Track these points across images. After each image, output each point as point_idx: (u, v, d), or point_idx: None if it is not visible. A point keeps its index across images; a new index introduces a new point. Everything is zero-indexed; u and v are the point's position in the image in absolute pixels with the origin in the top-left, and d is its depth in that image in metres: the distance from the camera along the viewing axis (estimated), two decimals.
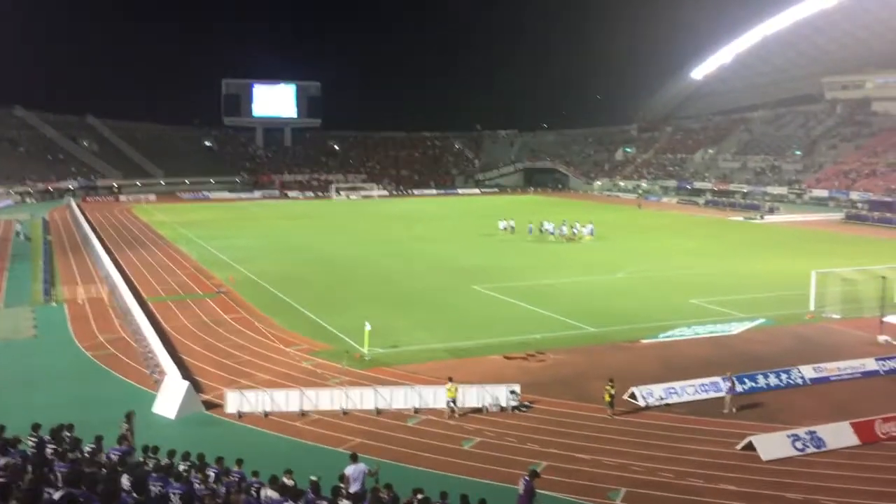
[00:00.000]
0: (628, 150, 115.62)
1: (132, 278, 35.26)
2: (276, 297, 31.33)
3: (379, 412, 18.63)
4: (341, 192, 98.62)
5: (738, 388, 19.60)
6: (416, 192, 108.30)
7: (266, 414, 18.46)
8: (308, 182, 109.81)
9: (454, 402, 18.42)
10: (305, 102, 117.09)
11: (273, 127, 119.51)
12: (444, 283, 34.36)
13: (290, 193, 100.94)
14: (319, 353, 23.20)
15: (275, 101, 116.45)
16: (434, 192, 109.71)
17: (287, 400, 18.69)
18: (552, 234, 50.57)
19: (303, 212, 75.64)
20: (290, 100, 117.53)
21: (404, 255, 43.31)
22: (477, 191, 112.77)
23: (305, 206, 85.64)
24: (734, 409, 18.60)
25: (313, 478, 11.13)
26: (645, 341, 24.92)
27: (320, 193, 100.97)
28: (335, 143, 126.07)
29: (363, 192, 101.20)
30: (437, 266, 39.56)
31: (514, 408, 18.79)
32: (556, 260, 42.29)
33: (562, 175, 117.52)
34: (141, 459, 12.07)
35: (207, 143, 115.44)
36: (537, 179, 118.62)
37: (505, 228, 53.62)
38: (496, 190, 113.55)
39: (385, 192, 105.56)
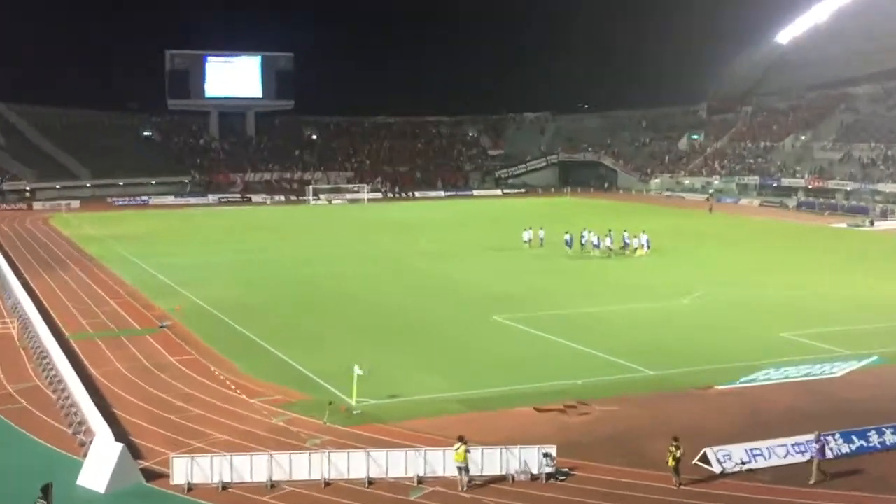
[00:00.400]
0: (695, 136, 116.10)
1: (49, 310, 35.55)
2: (236, 333, 31.50)
3: (371, 483, 18.64)
4: (321, 196, 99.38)
5: (831, 451, 19.45)
6: (417, 193, 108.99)
7: (224, 486, 18.49)
8: (278, 182, 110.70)
9: (466, 468, 18.40)
10: (274, 79, 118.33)
11: (232, 111, 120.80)
12: (457, 313, 34.47)
13: (255, 197, 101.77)
14: (294, 406, 23.27)
15: (234, 77, 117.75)
16: (441, 193, 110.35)
17: (251, 468, 18.71)
18: (596, 247, 50.72)
19: (271, 221, 76.08)
20: (253, 76, 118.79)
21: (404, 277, 43.46)
22: (497, 191, 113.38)
23: (275, 213, 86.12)
24: (824, 477, 18.49)
25: None
26: (720, 388, 24.87)
27: (294, 197, 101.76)
28: (313, 131, 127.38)
29: (349, 195, 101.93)
30: (446, 290, 39.68)
31: (548, 476, 18.73)
32: (602, 281, 42.29)
33: (608, 170, 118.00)
34: None
35: (147, 134, 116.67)
36: (576, 176, 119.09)
37: (529, 241, 53.92)
38: (522, 190, 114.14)
39: (378, 195, 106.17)
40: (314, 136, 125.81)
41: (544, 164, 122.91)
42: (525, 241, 53.83)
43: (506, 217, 74.47)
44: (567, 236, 52.29)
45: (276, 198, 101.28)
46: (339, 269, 46.22)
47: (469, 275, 44.31)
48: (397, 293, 38.86)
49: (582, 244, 51.62)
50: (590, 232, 52.42)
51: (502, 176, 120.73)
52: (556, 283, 41.46)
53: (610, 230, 51.99)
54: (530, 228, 54.64)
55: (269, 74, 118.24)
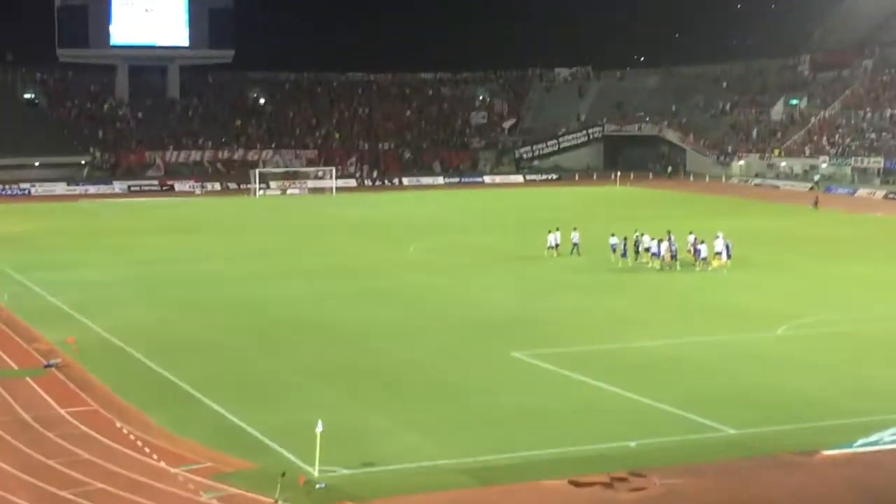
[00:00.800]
0: (794, 102, 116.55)
1: None
2: (153, 375, 31.49)
3: None
4: (272, 184, 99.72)
5: None
6: (406, 180, 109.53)
7: None
8: (212, 165, 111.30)
9: None
10: (206, 21, 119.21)
11: (148, 66, 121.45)
12: (460, 348, 34.51)
13: (180, 185, 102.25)
14: (232, 478, 23.24)
15: (151, 19, 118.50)
16: (440, 180, 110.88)
17: None
18: (656, 255, 50.76)
19: (203, 219, 76.23)
20: (177, 17, 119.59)
21: (386, 297, 43.56)
22: (517, 177, 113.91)
23: (208, 208, 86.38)
24: None
25: None
26: (829, 453, 24.82)
27: (234, 185, 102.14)
28: (261, 93, 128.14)
29: (311, 183, 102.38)
30: (445, 315, 39.77)
31: None
32: (661, 303, 42.37)
33: (672, 149, 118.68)
34: None
35: (28, 96, 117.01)
36: (628, 157, 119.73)
37: (556, 247, 54.15)
38: (553, 177, 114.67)
39: (351, 182, 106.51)
40: (262, 101, 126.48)
41: (584, 139, 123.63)
42: (550, 248, 54.14)
43: (529, 214, 74.83)
44: (613, 240, 52.45)
45: (210, 186, 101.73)
46: (297, 287, 46.30)
47: (478, 293, 44.39)
48: (376, 320, 38.92)
49: (637, 252, 51.72)
50: (643, 235, 52.45)
51: (524, 156, 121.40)
52: (599, 306, 41.50)
53: (669, 232, 51.90)
54: (557, 230, 54.87)
55: (200, 14, 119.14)
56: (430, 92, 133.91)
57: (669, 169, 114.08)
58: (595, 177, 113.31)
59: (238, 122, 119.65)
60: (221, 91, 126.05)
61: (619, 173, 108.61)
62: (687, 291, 45.01)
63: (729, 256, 50.42)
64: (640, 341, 35.33)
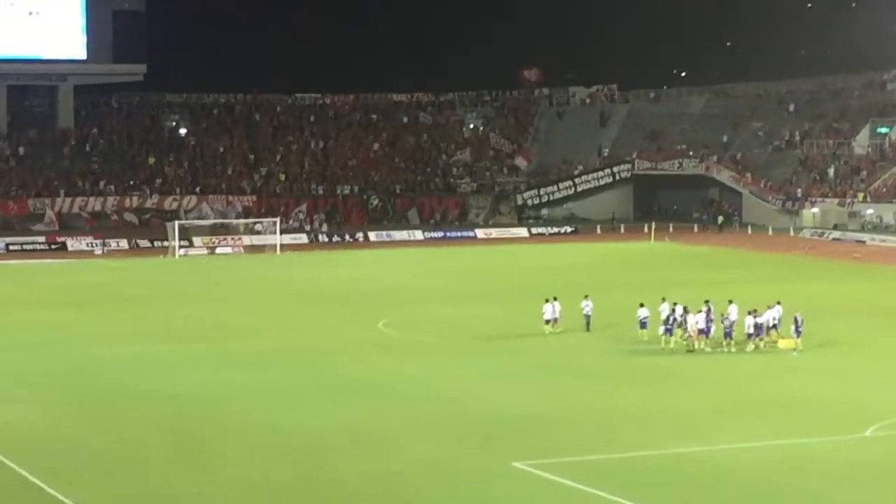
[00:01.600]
0: (884, 130, 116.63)
1: None
2: (39, 497, 31.39)
3: None
4: (196, 240, 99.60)
5: None
6: (373, 235, 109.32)
7: None
8: (117, 215, 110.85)
9: None
10: (109, 29, 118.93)
11: (31, 86, 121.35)
12: (447, 457, 34.31)
13: (74, 243, 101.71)
14: None
15: (34, 25, 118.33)
16: (418, 234, 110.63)
17: None
18: (703, 333, 50.65)
19: (105, 288, 75.81)
20: (71, 23, 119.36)
21: (351, 391, 43.38)
22: (521, 231, 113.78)
23: (111, 272, 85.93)
24: None
25: None
26: None
27: (147, 243, 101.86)
28: (181, 120, 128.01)
29: (248, 238, 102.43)
30: (428, 415, 39.59)
31: None
32: (705, 396, 42.40)
33: (725, 191, 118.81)
34: None
35: None
36: (666, 202, 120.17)
37: (552, 321, 54.63)
38: (568, 230, 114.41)
39: (301, 237, 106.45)
40: (183, 131, 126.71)
41: (608, 180, 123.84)
42: (547, 322, 54.48)
43: (535, 279, 74.47)
44: (643, 312, 52.61)
45: (115, 244, 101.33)
46: (229, 377, 46.02)
47: (466, 384, 44.29)
48: (337, 422, 38.45)
49: (668, 325, 51.38)
50: (683, 309, 52.01)
51: (529, 203, 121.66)
52: (624, 400, 41.46)
53: (707, 303, 51.77)
54: (555, 300, 55.16)
55: (101, 19, 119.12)
56: (405, 119, 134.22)
57: (720, 219, 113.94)
58: (622, 229, 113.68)
59: (151, 160, 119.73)
60: (130, 118, 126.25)
61: (653, 225, 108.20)
62: (741, 379, 44.91)
63: (799, 333, 50.26)
64: (677, 446, 35.18)
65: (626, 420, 38.74)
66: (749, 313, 50.75)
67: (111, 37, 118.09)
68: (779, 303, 51.95)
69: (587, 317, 54.95)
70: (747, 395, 42.56)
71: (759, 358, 49.13)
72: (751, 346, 50.14)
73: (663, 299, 53.00)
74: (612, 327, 54.20)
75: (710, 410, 40.29)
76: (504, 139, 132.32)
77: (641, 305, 53.00)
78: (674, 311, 51.79)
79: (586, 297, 55.57)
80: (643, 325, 52.32)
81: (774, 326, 50.88)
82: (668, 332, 51.29)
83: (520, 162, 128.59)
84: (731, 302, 51.62)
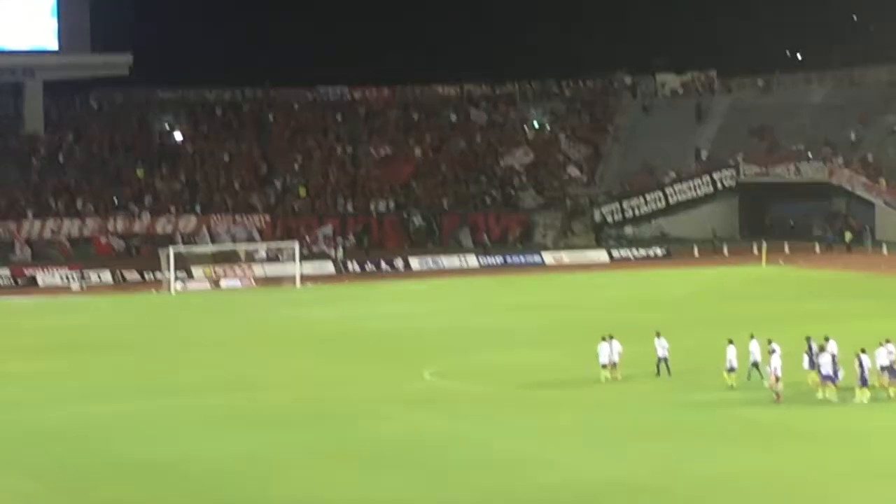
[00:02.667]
0: None
1: None
2: None
3: None
4: (196, 271, 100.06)
5: None
6: (415, 262, 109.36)
7: None
8: (98, 240, 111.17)
9: None
10: (86, 13, 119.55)
11: None
12: None
13: (47, 277, 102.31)
14: None
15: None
16: (472, 260, 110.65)
17: None
18: (828, 379, 50.47)
19: (84, 331, 76.17)
20: (40, 6, 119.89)
21: (392, 457, 43.25)
22: (599, 254, 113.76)
23: (92, 312, 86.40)
24: None
25: None
26: None
27: (135, 275, 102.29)
28: (175, 121, 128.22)
29: (261, 268, 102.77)
30: (490, 487, 39.37)
31: None
32: (838, 458, 42.21)
33: (854, 202, 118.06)
34: None
35: None
36: (781, 217, 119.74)
37: (609, 365, 54.90)
38: (658, 252, 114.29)
39: (327, 266, 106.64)
40: (179, 136, 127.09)
41: (707, 189, 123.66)
42: (604, 366, 54.80)
43: (617, 316, 74.18)
44: (731, 355, 52.78)
45: (96, 277, 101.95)
46: (237, 441, 45.96)
47: (534, 448, 44.23)
48: (375, 497, 38.67)
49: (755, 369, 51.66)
50: (825, 348, 52.17)
51: (609, 219, 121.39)
52: (735, 463, 41.34)
53: (863, 350, 51.70)
54: (612, 338, 55.53)
55: (76, 8, 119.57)
56: (454, 116, 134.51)
57: (849, 236, 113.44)
58: (726, 251, 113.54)
59: (140, 172, 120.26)
60: (112, 121, 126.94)
61: (765, 245, 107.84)
62: (873, 437, 44.94)
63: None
64: None
65: (741, 489, 38.33)
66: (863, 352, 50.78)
67: (88, 21, 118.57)
68: (888, 342, 51.66)
69: (663, 360, 54.86)
70: (888, 455, 42.30)
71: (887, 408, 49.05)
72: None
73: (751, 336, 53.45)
74: (687, 374, 54.17)
75: (827, 474, 39.75)
76: (577, 140, 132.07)
77: (729, 342, 53.01)
78: (821, 347, 51.49)
79: (658, 334, 55.79)
80: (731, 368, 52.45)
81: (886, 368, 50.57)
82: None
83: (582, 160, 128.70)
84: (827, 339, 51.48)
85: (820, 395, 50.37)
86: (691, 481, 39.47)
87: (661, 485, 38.89)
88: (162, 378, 60.30)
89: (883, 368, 50.34)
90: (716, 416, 48.44)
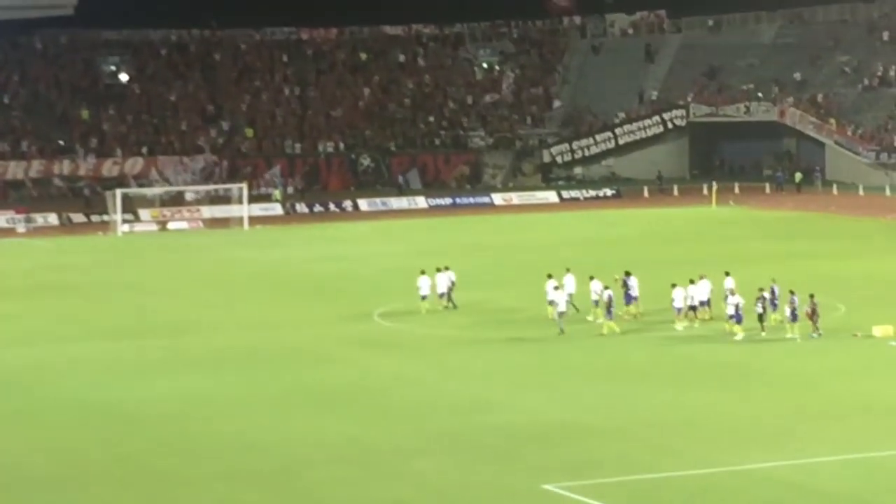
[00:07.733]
0: None
1: None
2: None
3: None
4: (144, 213, 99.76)
5: None
6: (364, 203, 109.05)
7: None
8: (45, 182, 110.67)
9: None
10: None
11: None
12: (462, 479, 34.61)
13: None
14: None
15: None
16: (420, 201, 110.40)
17: None
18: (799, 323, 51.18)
19: (29, 275, 76.04)
20: None
21: (340, 399, 43.81)
22: (549, 195, 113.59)
23: (38, 255, 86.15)
24: None
25: None
26: None
27: (82, 217, 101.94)
28: (121, 62, 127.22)
29: (209, 210, 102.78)
30: (436, 428, 39.75)
31: None
32: (767, 397, 42.55)
33: (802, 142, 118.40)
34: None
35: None
36: (729, 156, 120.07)
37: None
38: (608, 192, 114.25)
39: (273, 208, 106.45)
40: (125, 77, 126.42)
41: (657, 129, 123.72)
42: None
43: (565, 256, 74.04)
44: (678, 296, 53.28)
45: (41, 219, 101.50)
46: (185, 384, 46.42)
47: (480, 387, 44.82)
48: (325, 438, 38.54)
49: (737, 312, 52.03)
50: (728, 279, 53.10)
51: (559, 160, 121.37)
52: (671, 403, 41.89)
53: (813, 297, 52.08)
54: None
55: None
56: (403, 56, 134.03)
57: (799, 176, 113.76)
58: (676, 191, 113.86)
59: (85, 114, 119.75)
60: (57, 62, 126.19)
61: (715, 185, 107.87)
62: (823, 378, 45.39)
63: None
64: (748, 461, 35.32)
65: (676, 429, 38.97)
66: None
67: None
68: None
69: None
70: (821, 395, 42.91)
71: (844, 350, 49.41)
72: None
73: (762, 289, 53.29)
74: (659, 315, 54.48)
75: (774, 414, 40.49)
76: (526, 81, 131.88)
77: (674, 286, 53.79)
78: (770, 291, 52.66)
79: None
80: (678, 311, 53.26)
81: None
82: (736, 319, 51.78)
83: (530, 102, 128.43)
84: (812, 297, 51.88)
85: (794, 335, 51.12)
86: (644, 422, 39.97)
87: (615, 425, 39.50)
88: (108, 320, 60.61)
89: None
90: (667, 357, 49.14)
